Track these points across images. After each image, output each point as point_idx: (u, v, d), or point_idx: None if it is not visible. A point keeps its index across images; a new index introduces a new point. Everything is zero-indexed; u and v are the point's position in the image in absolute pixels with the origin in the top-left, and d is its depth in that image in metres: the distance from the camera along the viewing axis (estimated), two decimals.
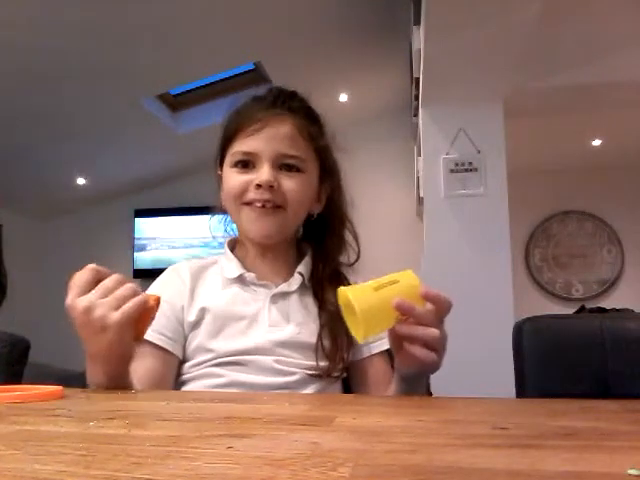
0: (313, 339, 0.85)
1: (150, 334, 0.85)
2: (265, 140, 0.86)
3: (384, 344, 0.87)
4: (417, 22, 2.33)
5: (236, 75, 3.71)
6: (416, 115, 3.07)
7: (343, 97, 3.98)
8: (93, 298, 0.64)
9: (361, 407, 0.63)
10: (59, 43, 2.78)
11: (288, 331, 0.85)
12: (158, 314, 0.87)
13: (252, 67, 3.60)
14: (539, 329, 0.87)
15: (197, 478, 0.31)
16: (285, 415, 0.53)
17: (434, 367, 0.69)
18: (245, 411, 0.56)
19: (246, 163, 0.87)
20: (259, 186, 0.85)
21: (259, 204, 0.86)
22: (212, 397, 0.69)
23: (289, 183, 0.86)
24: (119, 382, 0.70)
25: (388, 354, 0.88)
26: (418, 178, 3.02)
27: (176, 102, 3.90)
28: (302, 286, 0.91)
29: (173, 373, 0.87)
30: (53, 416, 0.52)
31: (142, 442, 0.40)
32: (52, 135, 3.65)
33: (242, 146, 0.87)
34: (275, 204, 0.86)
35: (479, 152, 2.65)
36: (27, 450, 0.38)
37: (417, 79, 2.63)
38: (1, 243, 4.36)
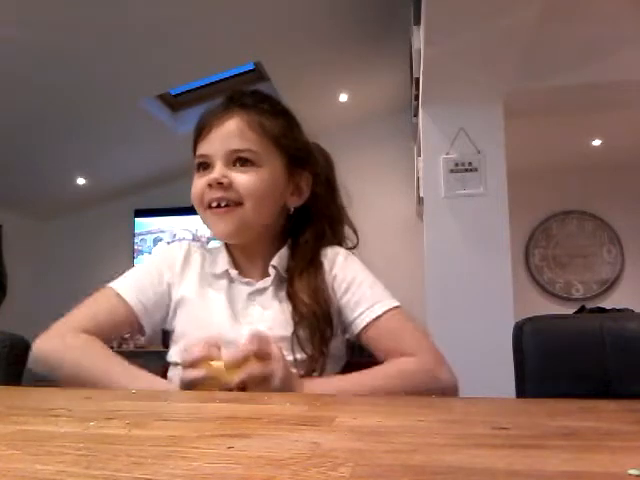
0: (287, 332, 0.84)
1: (130, 294, 0.88)
2: (216, 140, 0.87)
3: (385, 305, 0.85)
4: (417, 22, 2.32)
5: (236, 75, 3.71)
6: (416, 115, 3.07)
7: (343, 97, 3.98)
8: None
9: (361, 407, 0.63)
10: (59, 43, 2.78)
11: (261, 328, 0.85)
12: (146, 282, 0.91)
13: (252, 67, 3.60)
14: (539, 329, 0.87)
15: (197, 478, 0.31)
16: (285, 415, 0.53)
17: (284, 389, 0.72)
18: (245, 411, 0.56)
19: (205, 166, 0.88)
20: (211, 186, 0.86)
21: (214, 204, 0.86)
22: (212, 397, 0.69)
23: (242, 177, 0.85)
24: None
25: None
26: (418, 178, 3.02)
27: (176, 102, 3.90)
28: (278, 279, 0.90)
29: (123, 331, 0.92)
30: (53, 416, 0.52)
31: (142, 442, 0.40)
32: (52, 135, 3.65)
33: (199, 150, 0.89)
34: (230, 202, 0.86)
35: (479, 152, 2.65)
36: (27, 450, 0.38)
37: (417, 79, 2.63)
38: (1, 243, 4.35)
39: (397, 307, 0.87)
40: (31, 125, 3.48)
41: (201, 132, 0.90)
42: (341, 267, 0.91)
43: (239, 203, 0.86)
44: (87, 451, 0.37)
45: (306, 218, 0.95)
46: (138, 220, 4.79)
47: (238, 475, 0.32)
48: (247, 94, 0.93)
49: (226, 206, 0.86)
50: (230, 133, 0.86)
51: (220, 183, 0.85)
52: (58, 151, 3.88)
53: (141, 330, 0.89)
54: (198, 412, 0.56)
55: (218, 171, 0.85)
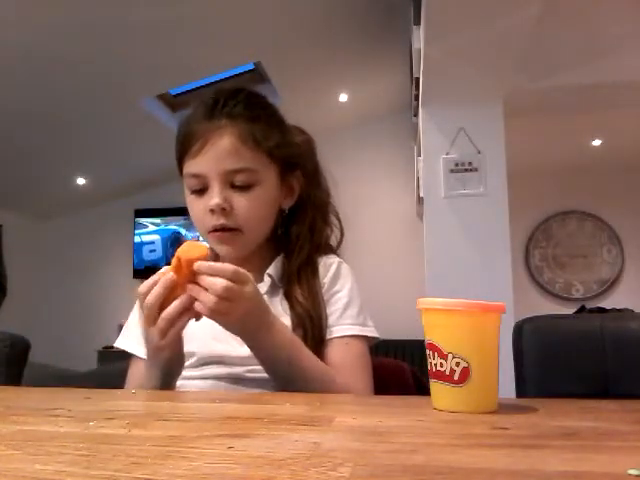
0: None
1: (139, 349, 0.85)
2: (209, 160, 0.82)
3: (342, 330, 0.85)
4: (417, 22, 2.32)
5: (236, 75, 3.71)
6: (416, 115, 3.07)
7: (343, 97, 3.98)
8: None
9: (361, 407, 0.63)
10: (59, 43, 2.78)
11: None
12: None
13: (252, 67, 3.60)
14: (539, 329, 0.87)
15: (197, 478, 0.31)
16: (285, 415, 0.53)
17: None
18: (245, 411, 0.56)
19: (199, 187, 0.85)
20: (213, 211, 0.83)
21: (218, 228, 0.84)
22: (212, 397, 0.69)
23: (242, 203, 0.83)
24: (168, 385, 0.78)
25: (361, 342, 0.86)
26: (418, 178, 3.02)
27: (176, 102, 3.90)
28: (273, 287, 0.89)
29: None
30: (53, 416, 0.52)
31: (142, 442, 0.40)
32: (52, 135, 3.65)
33: (190, 168, 0.85)
34: (231, 227, 0.84)
35: (479, 152, 2.65)
36: (27, 450, 0.38)
37: (417, 79, 2.63)
38: (1, 243, 4.35)
39: (359, 336, 0.85)
40: (31, 125, 3.48)
41: (188, 146, 0.84)
42: (331, 277, 0.91)
43: (238, 229, 0.84)
44: (87, 451, 0.37)
45: (293, 209, 0.94)
46: (138, 220, 4.79)
47: (238, 475, 0.32)
48: (231, 97, 0.87)
49: (229, 230, 0.84)
50: (224, 152, 0.82)
51: (223, 208, 0.82)
52: (58, 151, 3.88)
53: None
54: (198, 412, 0.56)
55: (218, 196, 0.82)
